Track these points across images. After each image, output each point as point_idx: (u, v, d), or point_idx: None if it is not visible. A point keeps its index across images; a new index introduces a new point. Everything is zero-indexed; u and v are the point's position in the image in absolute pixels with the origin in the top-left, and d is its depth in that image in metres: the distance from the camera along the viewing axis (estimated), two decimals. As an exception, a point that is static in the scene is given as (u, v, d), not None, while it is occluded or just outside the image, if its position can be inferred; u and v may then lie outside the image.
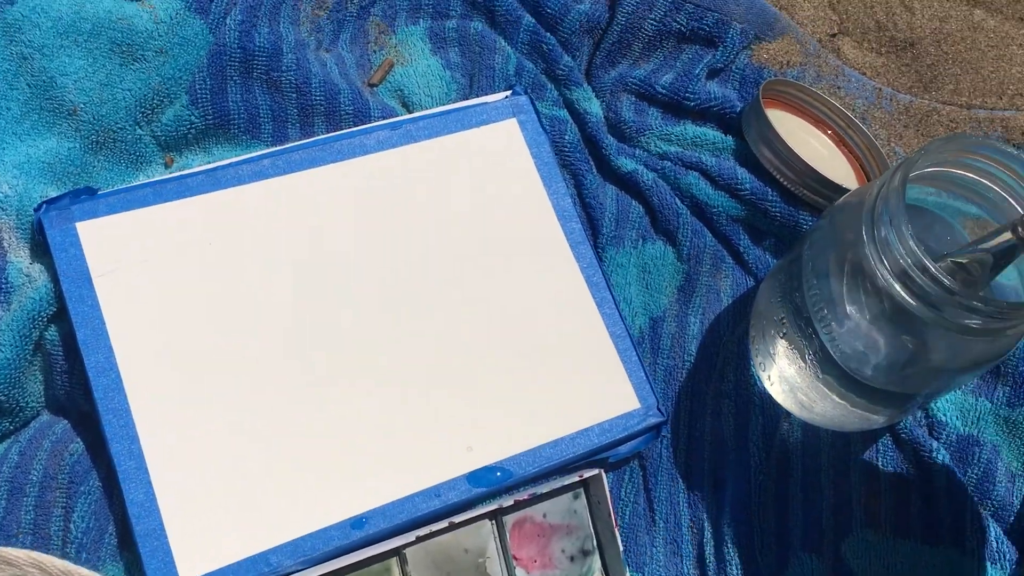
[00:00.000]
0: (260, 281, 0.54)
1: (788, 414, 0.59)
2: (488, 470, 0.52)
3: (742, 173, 0.62)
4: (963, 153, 0.49)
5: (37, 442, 0.51)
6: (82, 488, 0.50)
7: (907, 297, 0.46)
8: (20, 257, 0.53)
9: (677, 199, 0.62)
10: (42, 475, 0.50)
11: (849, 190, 0.59)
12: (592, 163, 0.64)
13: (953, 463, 0.57)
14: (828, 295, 0.51)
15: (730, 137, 0.64)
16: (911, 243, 0.45)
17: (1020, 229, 0.44)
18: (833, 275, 0.51)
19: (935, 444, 0.58)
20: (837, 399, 0.55)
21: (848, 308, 0.50)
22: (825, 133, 0.67)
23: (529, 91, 0.64)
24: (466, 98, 0.64)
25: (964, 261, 0.47)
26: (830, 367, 0.53)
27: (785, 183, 0.61)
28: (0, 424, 0.51)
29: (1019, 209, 0.49)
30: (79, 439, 0.51)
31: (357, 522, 0.50)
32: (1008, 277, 0.53)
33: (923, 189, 0.53)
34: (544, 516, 0.54)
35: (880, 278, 0.47)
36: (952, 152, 0.49)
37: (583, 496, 0.55)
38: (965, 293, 0.44)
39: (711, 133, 0.64)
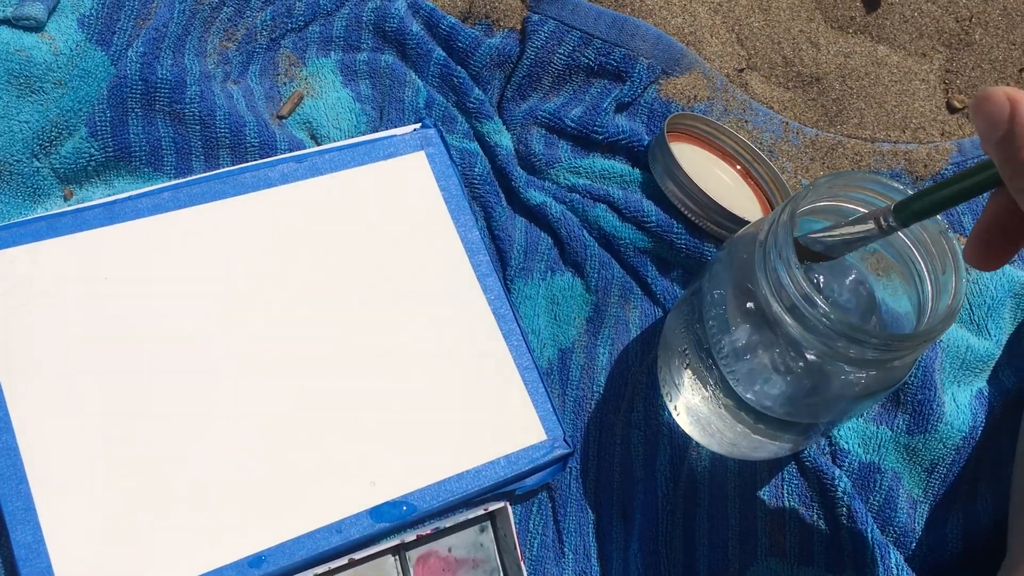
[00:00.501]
0: (154, 317, 0.53)
1: (696, 444, 0.60)
2: (391, 505, 0.52)
3: (648, 205, 0.63)
4: (849, 187, 0.50)
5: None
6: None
7: (799, 329, 0.47)
8: (-93, 293, 0.51)
9: (585, 231, 0.63)
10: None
11: (749, 222, 0.60)
12: (502, 195, 0.64)
13: (855, 490, 0.58)
14: (726, 327, 0.52)
15: (637, 170, 0.65)
16: (799, 277, 0.46)
17: (883, 220, 0.45)
18: (730, 307, 0.52)
19: (837, 472, 0.59)
20: (740, 427, 0.56)
21: (745, 340, 0.51)
22: (733, 167, 0.68)
23: (440, 124, 0.64)
24: (376, 131, 0.64)
25: (826, 239, 0.48)
26: (731, 397, 0.54)
27: (690, 215, 0.62)
28: None
29: (903, 237, 0.50)
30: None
31: (255, 560, 0.49)
32: (901, 305, 0.54)
33: (818, 223, 0.54)
34: (450, 550, 0.53)
35: (773, 310, 0.48)
36: (838, 187, 0.50)
37: (490, 529, 0.54)
38: (854, 327, 0.45)
39: (619, 166, 0.65)
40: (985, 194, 0.39)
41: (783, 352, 0.50)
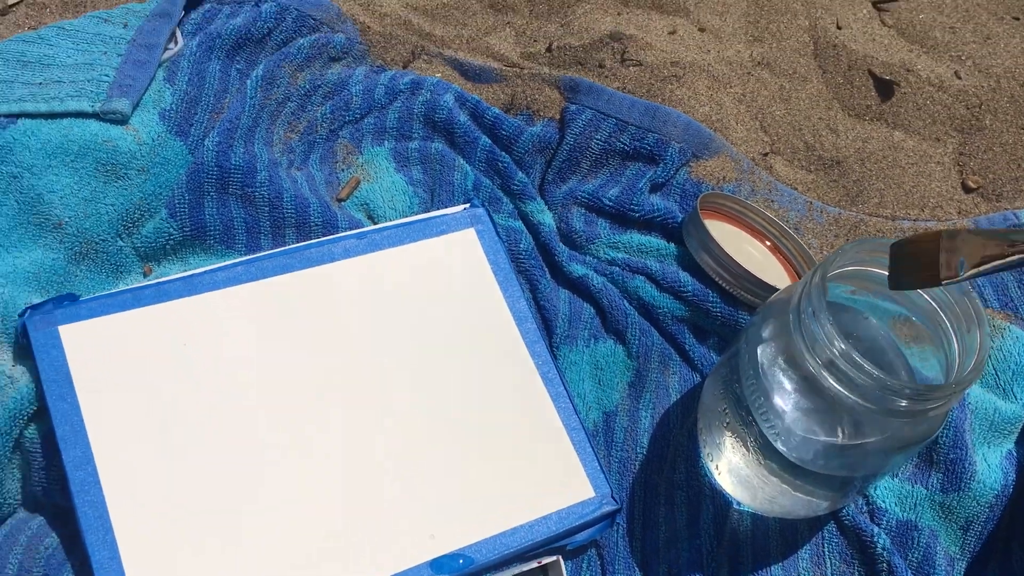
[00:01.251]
0: (231, 380, 0.57)
1: (737, 503, 0.62)
2: (451, 557, 0.55)
3: (685, 277, 0.67)
4: (874, 252, 0.54)
5: (13, 537, 0.53)
6: (55, 581, 0.51)
7: (834, 384, 0.50)
8: (3, 360, 0.55)
9: (625, 301, 0.67)
10: (18, 568, 0.52)
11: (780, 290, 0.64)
12: (546, 269, 0.68)
13: (894, 548, 0.60)
14: (764, 386, 0.55)
15: (672, 244, 0.69)
16: (834, 334, 0.49)
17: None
18: (767, 367, 0.55)
19: (876, 529, 0.60)
20: (780, 484, 0.58)
21: (782, 397, 0.54)
22: (762, 242, 0.72)
23: (487, 204, 0.69)
24: (428, 211, 0.69)
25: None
26: (771, 454, 0.56)
27: (724, 285, 0.66)
28: (-23, 521, 0.53)
29: (931, 302, 0.54)
30: (55, 533, 0.53)
31: (323, 609, 0.51)
32: (930, 369, 0.57)
33: (844, 287, 0.58)
34: (504, 603, 0.55)
35: (809, 367, 0.51)
36: (864, 251, 0.54)
37: (542, 584, 0.57)
38: (887, 378, 0.48)
39: (655, 241, 0.69)
40: None
41: (820, 407, 0.53)
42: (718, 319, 0.66)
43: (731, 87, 0.79)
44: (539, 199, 0.71)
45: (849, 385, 0.50)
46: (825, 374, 0.51)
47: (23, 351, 0.56)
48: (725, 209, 0.72)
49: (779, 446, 0.55)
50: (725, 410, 0.58)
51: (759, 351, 0.55)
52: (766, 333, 0.56)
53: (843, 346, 0.49)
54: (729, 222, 0.72)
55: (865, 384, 0.49)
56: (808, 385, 0.53)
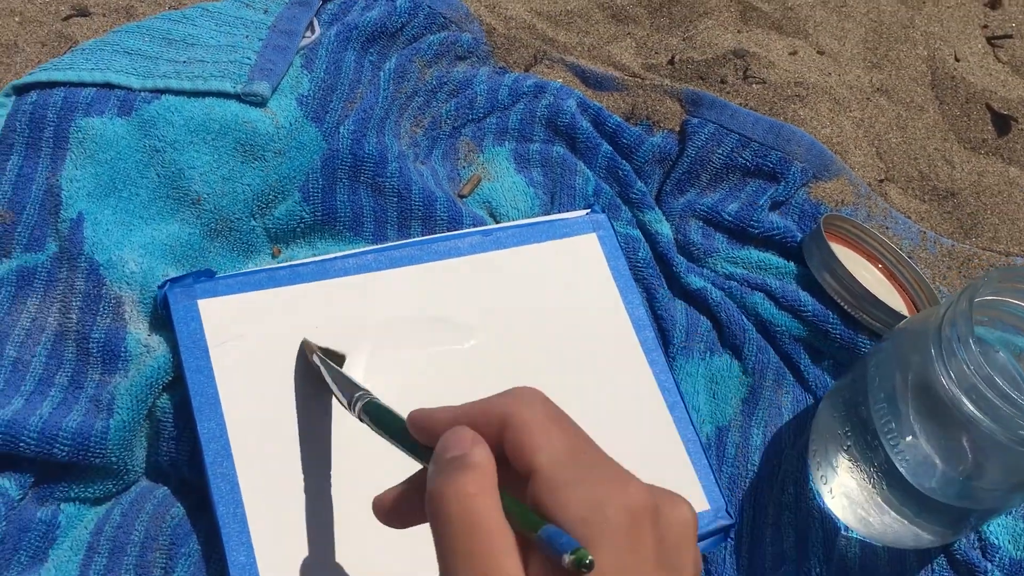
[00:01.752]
0: (358, 364, 0.57)
1: (846, 529, 0.62)
2: (566, 559, 0.54)
3: (805, 296, 0.66)
4: (1018, 285, 0.53)
5: (139, 505, 0.54)
6: (183, 550, 0.52)
7: (974, 411, 0.50)
8: (139, 329, 0.56)
9: (743, 316, 0.66)
10: (143, 536, 0.52)
11: (907, 316, 0.64)
12: (663, 279, 0.68)
13: (1007, 585, 0.59)
14: (895, 410, 0.54)
15: (791, 263, 0.69)
16: (980, 360, 0.49)
17: None
18: (899, 392, 0.54)
19: (989, 566, 0.60)
20: (895, 514, 0.57)
21: (914, 423, 0.54)
22: (876, 266, 0.72)
23: (606, 210, 0.69)
24: (547, 213, 0.69)
25: None
26: (893, 480, 0.56)
27: (846, 307, 0.65)
28: (105, 485, 0.54)
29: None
30: (180, 504, 0.54)
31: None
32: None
33: (977, 318, 0.57)
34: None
35: (948, 393, 0.51)
36: (1010, 282, 0.54)
37: (652, 593, 0.56)
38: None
39: (774, 259, 0.69)
40: None
41: (952, 435, 0.52)
42: (836, 341, 0.66)
43: (851, 111, 0.79)
44: (657, 209, 0.71)
45: (990, 413, 0.49)
46: (965, 401, 0.50)
47: (159, 322, 0.57)
48: (844, 232, 0.71)
49: (904, 472, 0.55)
50: (847, 433, 0.58)
51: (893, 375, 0.55)
52: (900, 358, 0.55)
53: (989, 372, 0.48)
54: (846, 245, 0.72)
55: (1007, 413, 0.49)
56: (943, 412, 0.52)
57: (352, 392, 0.47)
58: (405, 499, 0.40)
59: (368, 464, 0.54)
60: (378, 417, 0.44)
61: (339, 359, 0.55)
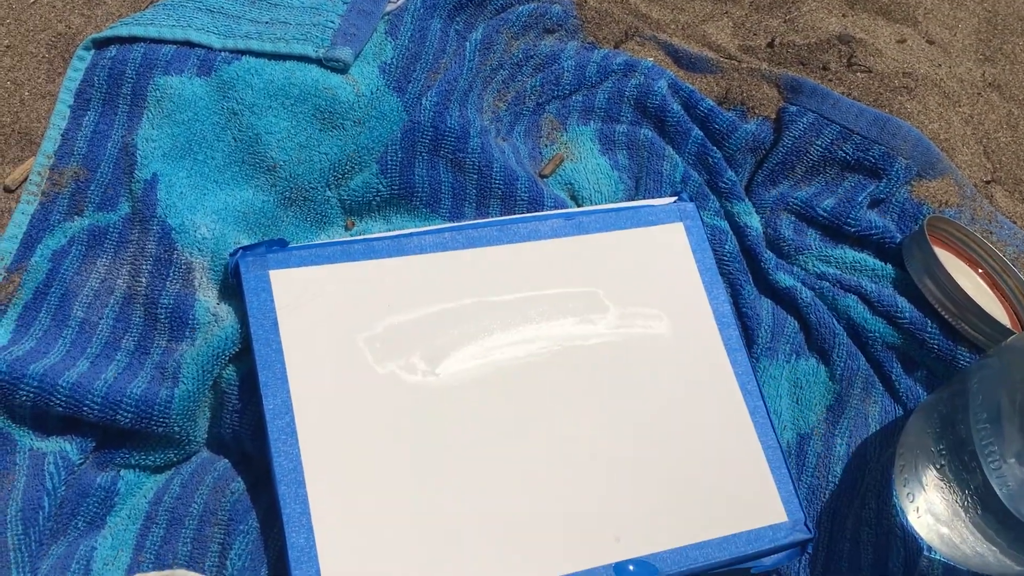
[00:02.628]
0: (432, 348, 0.55)
1: (929, 550, 0.58)
2: (634, 563, 0.52)
3: (902, 302, 0.62)
4: None
5: (199, 476, 0.52)
6: (241, 527, 0.50)
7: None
8: (208, 297, 0.55)
9: (834, 319, 0.63)
10: (202, 509, 0.51)
11: (1013, 332, 0.59)
12: (749, 275, 0.65)
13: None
14: (999, 432, 0.51)
15: (889, 265, 0.65)
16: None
17: None
18: (1005, 413, 0.51)
19: (1084, 602, 0.56)
20: (985, 541, 0.54)
21: (1021, 445, 0.50)
22: (977, 272, 0.67)
23: (693, 199, 0.65)
24: (632, 198, 0.66)
25: None
26: (988, 504, 0.52)
27: (946, 316, 0.61)
28: (167, 454, 0.53)
29: None
30: (240, 479, 0.52)
31: (507, 598, 0.49)
32: None
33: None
34: (682, 620, 0.53)
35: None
36: None
37: (722, 605, 0.54)
38: None
39: (870, 260, 0.65)
40: None
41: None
42: (933, 351, 0.62)
43: (960, 106, 0.74)
44: (747, 201, 0.67)
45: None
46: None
47: (229, 290, 0.55)
48: (946, 235, 0.67)
49: (1002, 497, 0.51)
50: (942, 451, 0.54)
51: (999, 395, 0.51)
52: (1008, 376, 0.51)
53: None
54: (947, 249, 0.67)
55: None
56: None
57: None
58: None
59: (438, 454, 0.52)
60: None
61: None
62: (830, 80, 0.72)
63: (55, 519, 0.50)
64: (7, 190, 0.59)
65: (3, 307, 0.54)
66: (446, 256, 0.58)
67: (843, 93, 0.71)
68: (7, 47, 0.63)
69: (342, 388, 0.52)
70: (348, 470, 0.50)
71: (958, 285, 0.61)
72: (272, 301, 0.53)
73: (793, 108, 0.69)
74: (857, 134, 0.67)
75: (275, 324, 0.53)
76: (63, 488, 0.50)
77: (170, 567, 0.49)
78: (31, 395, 0.50)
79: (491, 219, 0.61)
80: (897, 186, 0.67)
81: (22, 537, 0.48)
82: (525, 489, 0.53)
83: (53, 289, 0.55)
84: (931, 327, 0.62)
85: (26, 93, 0.62)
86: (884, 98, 0.71)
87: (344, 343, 0.53)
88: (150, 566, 0.49)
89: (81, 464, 0.51)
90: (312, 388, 0.52)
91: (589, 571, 0.51)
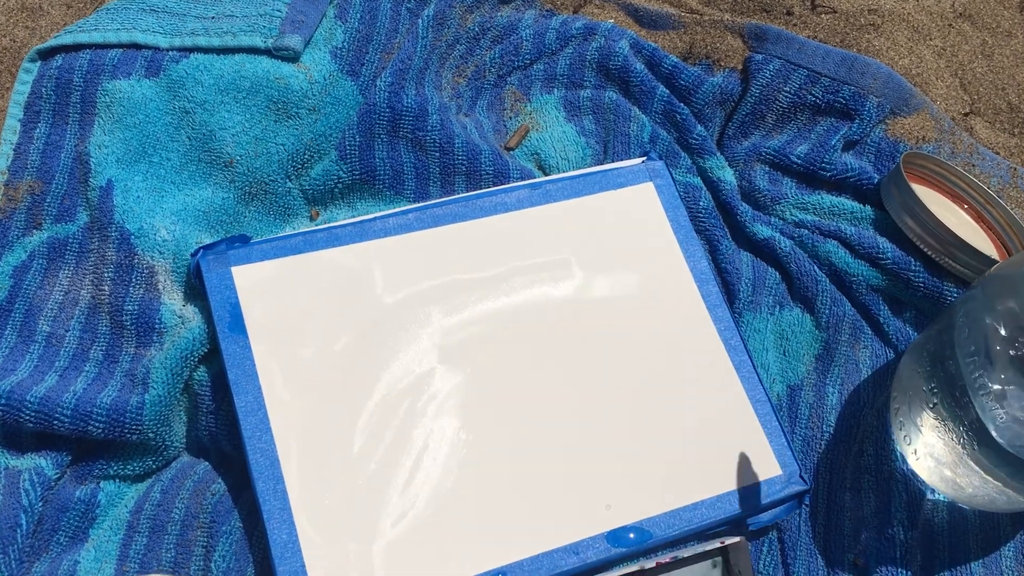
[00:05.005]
0: (403, 328, 0.54)
1: (932, 492, 0.57)
2: (627, 530, 0.51)
3: (883, 242, 0.61)
4: None
5: (179, 481, 0.52)
6: (224, 528, 0.50)
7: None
8: (174, 299, 0.54)
9: (815, 266, 0.61)
10: (184, 514, 0.50)
11: (998, 260, 0.58)
12: (726, 229, 0.64)
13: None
14: (987, 364, 0.49)
15: (868, 207, 0.63)
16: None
17: None
18: (992, 343, 0.49)
19: (1093, 530, 0.54)
20: (987, 476, 0.52)
21: (1011, 379, 0.48)
22: (962, 207, 0.66)
23: (663, 158, 0.64)
24: (600, 163, 0.64)
25: None
26: (985, 439, 0.51)
27: (929, 252, 0.60)
28: (145, 462, 0.52)
29: None
30: (220, 480, 0.52)
31: (497, 575, 0.49)
32: None
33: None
34: (681, 583, 0.52)
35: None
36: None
37: (721, 564, 0.53)
38: None
39: (848, 203, 0.64)
40: None
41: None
42: (919, 290, 0.60)
43: (931, 39, 0.72)
44: (719, 155, 0.66)
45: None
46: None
47: (194, 292, 0.55)
48: (926, 171, 0.65)
49: (995, 432, 0.50)
50: (933, 389, 0.53)
51: (984, 325, 0.50)
52: (992, 305, 0.50)
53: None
54: (928, 186, 0.66)
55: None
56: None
57: None
58: None
59: (417, 436, 0.51)
60: None
61: None
62: (795, 24, 0.70)
63: (35, 536, 0.49)
64: (-37, 210, 0.58)
65: (-33, 328, 0.53)
66: (412, 237, 0.57)
67: (809, 36, 0.70)
68: (-47, 67, 0.62)
69: (313, 379, 0.51)
70: (325, 461, 0.50)
71: (938, 220, 0.59)
72: (236, 298, 0.53)
73: (759, 56, 0.67)
74: (825, 76, 0.66)
75: (240, 320, 0.52)
76: (40, 504, 0.49)
77: (152, 574, 0.49)
78: (0, 413, 0.49)
79: (454, 196, 0.60)
80: (871, 126, 0.66)
81: (1, 557, 0.47)
82: (510, 464, 0.52)
83: (17, 305, 0.54)
84: (915, 265, 0.60)
85: (-25, 111, 0.61)
86: (851, 37, 0.69)
87: (312, 334, 0.53)
88: (135, 575, 0.49)
89: (58, 479, 0.51)
90: (283, 381, 0.51)
91: (581, 542, 0.51)
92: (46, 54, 0.59)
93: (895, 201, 0.62)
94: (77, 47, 0.59)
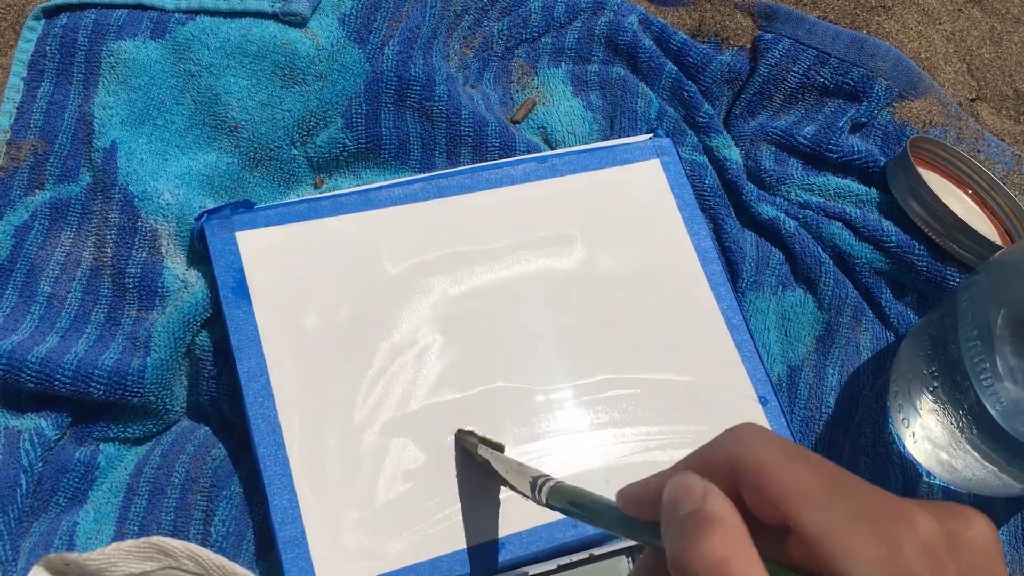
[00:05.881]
0: (407, 300, 0.54)
1: (928, 475, 0.57)
2: (626, 506, 0.51)
3: (888, 226, 0.61)
4: None
5: (180, 445, 0.52)
6: (224, 492, 0.50)
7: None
8: (177, 263, 0.54)
9: (819, 248, 0.61)
10: (184, 478, 0.50)
11: (1001, 247, 0.58)
12: (731, 208, 0.63)
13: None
14: (989, 349, 0.49)
15: (874, 190, 0.63)
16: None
17: None
18: (994, 329, 0.49)
19: (1086, 516, 0.55)
20: (984, 461, 0.53)
21: (1010, 362, 0.49)
22: (966, 193, 0.66)
23: (670, 135, 0.64)
24: (607, 139, 0.64)
25: None
26: (983, 424, 0.51)
27: (933, 236, 0.60)
28: (145, 425, 0.52)
29: None
30: (221, 445, 0.52)
31: (495, 545, 0.49)
32: None
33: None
34: (678, 559, 0.52)
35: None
36: None
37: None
38: None
39: (854, 185, 0.64)
40: None
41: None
42: (922, 274, 0.60)
43: (940, 23, 0.72)
44: (725, 133, 0.66)
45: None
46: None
47: (197, 256, 0.54)
48: (931, 156, 0.65)
49: (996, 416, 0.50)
50: (934, 373, 0.53)
51: (987, 311, 0.50)
52: (995, 291, 0.50)
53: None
54: (934, 170, 0.66)
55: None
56: (1045, 351, 0.47)
57: (533, 478, 0.41)
58: None
59: (419, 404, 0.51)
60: (571, 497, 0.37)
61: (499, 447, 0.49)
62: (805, 4, 0.70)
63: (35, 496, 0.49)
64: (-35, 168, 0.58)
65: (-32, 287, 0.53)
66: (417, 207, 0.56)
67: (819, 17, 0.69)
68: (-44, 23, 0.62)
69: (316, 346, 0.51)
70: (327, 427, 0.50)
71: (944, 204, 0.59)
72: (240, 263, 0.52)
73: (768, 36, 0.67)
74: (834, 57, 0.65)
75: (244, 286, 0.52)
76: (40, 465, 0.49)
77: (152, 535, 0.49)
78: (0, 373, 0.49)
79: (461, 168, 0.59)
80: (878, 109, 0.66)
81: (0, 516, 0.47)
82: (512, 438, 0.52)
83: (18, 265, 0.54)
84: (919, 249, 0.60)
85: (-22, 68, 0.60)
86: (861, 19, 0.69)
87: (315, 301, 0.52)
88: (134, 537, 0.49)
89: (58, 440, 0.50)
90: (285, 348, 0.51)
91: (580, 516, 0.51)
92: (50, 12, 0.58)
93: (901, 184, 0.62)
94: (82, 6, 0.58)
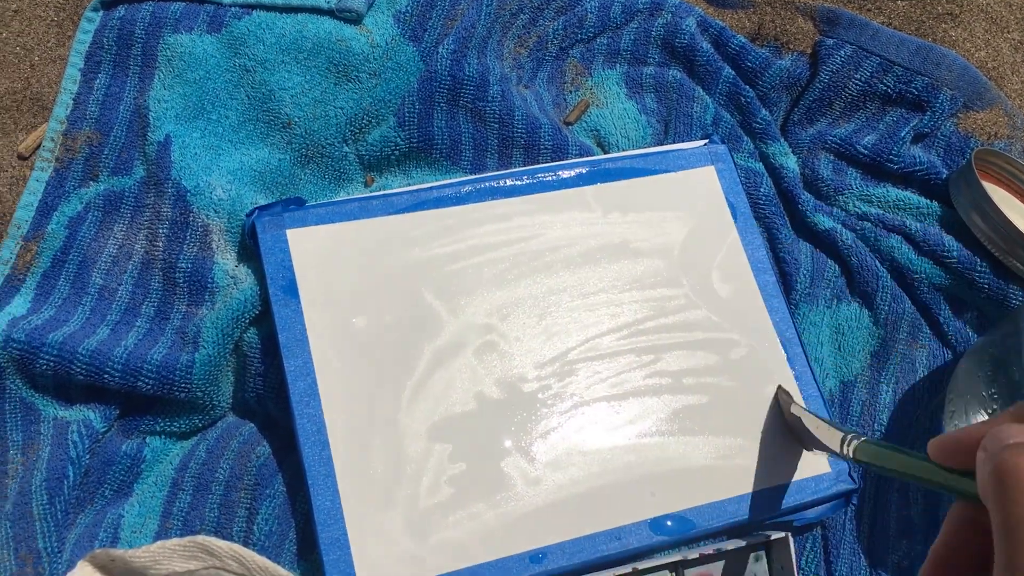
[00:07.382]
0: (455, 301, 0.53)
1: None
2: (671, 518, 0.50)
3: (950, 241, 0.59)
4: None
5: (224, 442, 0.52)
6: (267, 491, 0.50)
7: None
8: (227, 259, 0.54)
9: (877, 261, 0.60)
10: (228, 474, 0.50)
11: (1069, 266, 0.56)
12: (787, 218, 0.62)
13: None
14: (1054, 372, 0.48)
15: (935, 203, 0.62)
16: None
17: None
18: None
19: None
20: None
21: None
22: (1031, 209, 0.64)
23: (725, 141, 0.63)
24: (661, 143, 0.63)
25: None
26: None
27: (997, 253, 0.58)
28: (191, 420, 0.52)
29: None
30: (266, 442, 0.52)
31: (536, 556, 0.48)
32: None
33: None
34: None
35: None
36: None
37: (764, 559, 0.52)
38: None
39: (914, 198, 0.62)
40: None
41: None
42: (984, 291, 0.59)
43: (1009, 32, 0.70)
44: (782, 141, 0.64)
45: None
46: None
47: (247, 252, 0.54)
48: (995, 169, 0.63)
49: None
50: (994, 395, 0.52)
51: (1054, 334, 0.48)
52: (1063, 314, 0.49)
53: None
54: (997, 184, 0.64)
55: None
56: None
57: (844, 434, 0.45)
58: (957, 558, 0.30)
59: (459, 411, 0.51)
60: (878, 453, 0.41)
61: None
62: (869, 10, 0.68)
63: (81, 488, 0.49)
64: (21, 157, 0.58)
65: (22, 276, 0.53)
66: (467, 209, 0.56)
67: (883, 23, 0.68)
68: (15, 12, 0.62)
69: (363, 346, 0.51)
70: (371, 429, 0.49)
71: (1009, 220, 0.57)
72: (290, 261, 0.52)
73: (830, 41, 0.65)
74: (899, 65, 0.64)
75: (294, 284, 0.52)
76: (88, 457, 0.49)
77: (198, 533, 0.49)
78: (51, 364, 0.49)
79: (512, 170, 0.59)
80: (942, 119, 0.64)
81: (47, 507, 0.47)
82: (556, 447, 0.51)
83: (71, 256, 0.54)
84: (980, 266, 0.59)
85: (36, 58, 0.61)
86: (927, 26, 0.67)
87: (364, 301, 0.52)
88: (178, 532, 0.49)
89: (106, 432, 0.51)
90: (333, 347, 0.51)
91: (624, 527, 0.50)
92: (109, 4, 0.59)
93: (964, 198, 0.60)
94: (140, -2, 0.58)
